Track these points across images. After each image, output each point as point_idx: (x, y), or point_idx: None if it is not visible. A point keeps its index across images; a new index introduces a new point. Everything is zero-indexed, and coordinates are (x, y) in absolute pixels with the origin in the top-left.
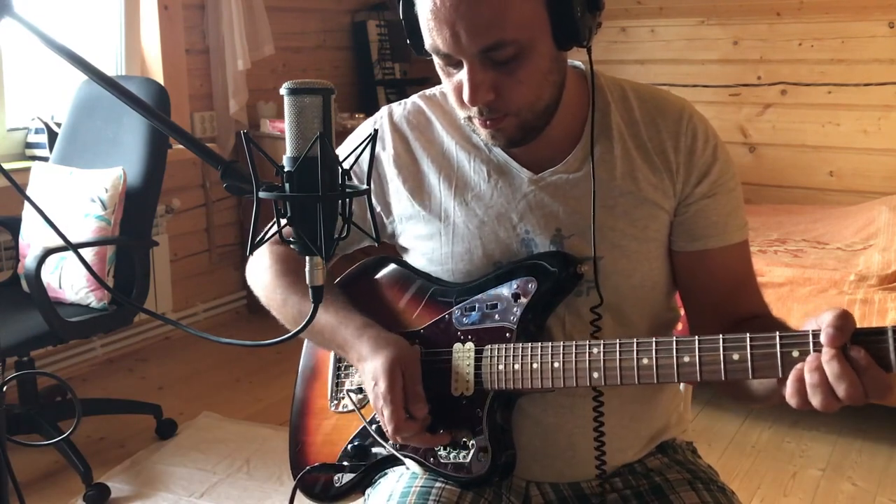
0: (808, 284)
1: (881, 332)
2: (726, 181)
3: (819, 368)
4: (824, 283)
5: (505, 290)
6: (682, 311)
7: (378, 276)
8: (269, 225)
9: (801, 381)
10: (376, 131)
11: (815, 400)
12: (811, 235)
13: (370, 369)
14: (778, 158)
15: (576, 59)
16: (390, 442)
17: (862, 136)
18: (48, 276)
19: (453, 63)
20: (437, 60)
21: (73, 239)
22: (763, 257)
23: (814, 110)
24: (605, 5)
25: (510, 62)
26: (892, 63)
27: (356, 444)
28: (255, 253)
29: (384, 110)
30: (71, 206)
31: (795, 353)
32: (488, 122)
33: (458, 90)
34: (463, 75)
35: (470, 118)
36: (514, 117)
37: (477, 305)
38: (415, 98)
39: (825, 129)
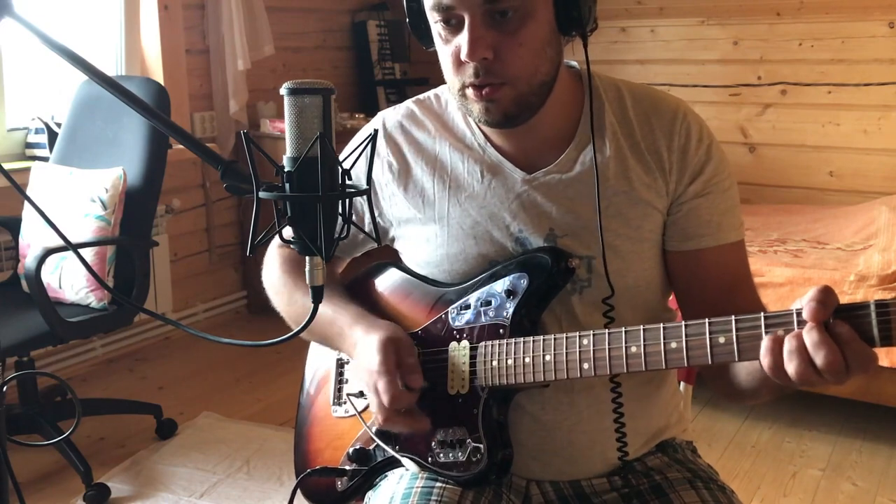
0: (808, 284)
1: (864, 306)
2: (720, 181)
3: (798, 336)
4: (824, 283)
5: (498, 288)
6: (680, 314)
7: (376, 280)
8: (270, 225)
9: (776, 342)
10: (376, 131)
11: (791, 366)
12: (811, 235)
13: (364, 350)
14: (778, 158)
15: (571, 59)
16: (391, 443)
17: (862, 136)
18: (48, 276)
19: (453, 25)
20: (436, 23)
21: (73, 239)
22: (763, 257)
23: (814, 110)
24: (605, 5)
25: (512, 21)
26: (892, 63)
27: (357, 447)
28: (266, 256)
29: (378, 117)
30: (71, 206)
31: (780, 333)
32: (484, 91)
33: (456, 54)
34: (463, 35)
35: (464, 90)
36: (511, 88)
37: (471, 304)
38: (407, 103)
39: (825, 129)
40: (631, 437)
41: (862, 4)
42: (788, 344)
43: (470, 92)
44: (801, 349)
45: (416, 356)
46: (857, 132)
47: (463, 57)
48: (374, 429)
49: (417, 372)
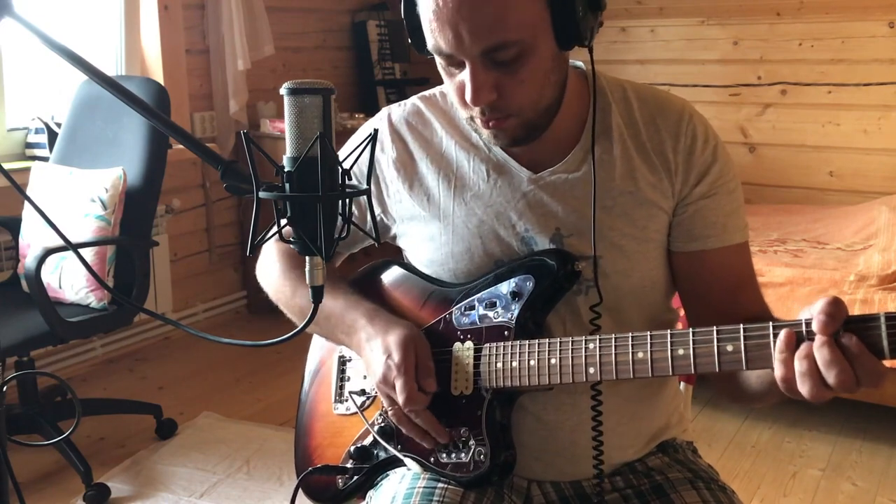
0: (808, 284)
1: (873, 318)
2: (726, 182)
3: (809, 356)
4: (824, 283)
5: (503, 289)
6: (682, 313)
7: (381, 279)
8: (270, 225)
9: (787, 352)
10: (376, 131)
11: (805, 388)
12: (811, 235)
13: (381, 345)
14: (778, 158)
15: (577, 58)
16: (392, 442)
17: (862, 136)
18: (48, 276)
19: (455, 63)
20: (439, 61)
21: (73, 239)
22: (763, 257)
23: (814, 110)
24: (606, 5)
25: (512, 62)
26: (892, 63)
27: (359, 446)
28: (262, 250)
29: (383, 112)
30: (71, 206)
31: (788, 334)
32: (491, 123)
33: (461, 90)
34: (465, 76)
35: (472, 118)
36: (516, 118)
37: (476, 305)
38: (413, 99)
39: (825, 129)
40: (632, 437)
41: (862, 4)
42: (800, 365)
43: (477, 121)
44: (813, 370)
45: (432, 359)
46: (857, 132)
47: (467, 101)
48: (376, 427)
49: (433, 376)
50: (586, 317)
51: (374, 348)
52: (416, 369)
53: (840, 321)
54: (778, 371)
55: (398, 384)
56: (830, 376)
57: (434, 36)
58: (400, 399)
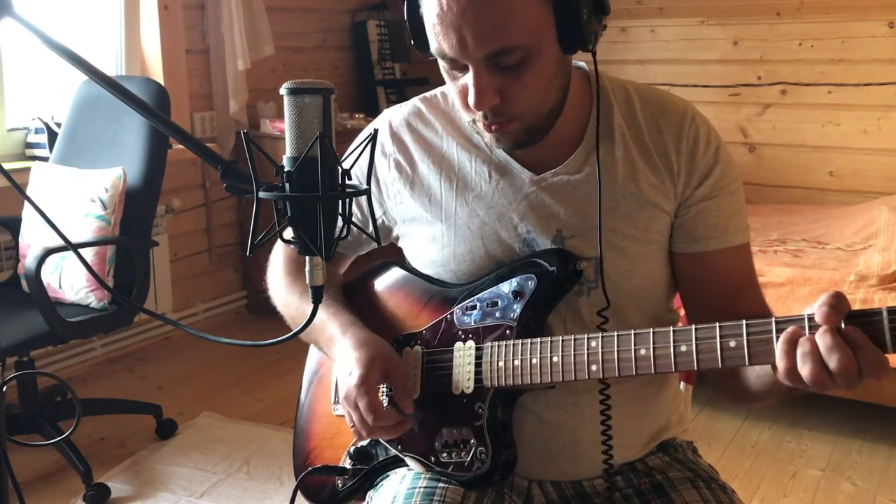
0: (808, 284)
1: (875, 312)
2: (728, 184)
3: (812, 340)
4: (824, 283)
5: (505, 289)
6: (682, 313)
7: (382, 279)
8: (270, 225)
9: (790, 342)
10: (376, 131)
11: (805, 370)
12: (811, 235)
13: (348, 362)
14: (778, 158)
15: (579, 59)
16: (393, 441)
17: (862, 136)
18: (48, 276)
19: (459, 67)
20: (442, 64)
21: (73, 239)
22: (763, 257)
23: (814, 110)
24: (610, 9)
25: (516, 67)
26: (892, 63)
27: (358, 446)
28: (270, 260)
29: (384, 114)
30: (71, 206)
31: (793, 329)
32: (493, 127)
33: (464, 94)
34: (468, 79)
35: (474, 121)
36: (519, 122)
37: (478, 305)
38: (414, 101)
39: (825, 129)
40: (633, 437)
41: (862, 4)
42: (802, 347)
43: (480, 124)
44: (815, 352)
45: (408, 378)
46: (857, 132)
47: (470, 104)
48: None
49: (410, 396)
50: (587, 318)
51: (342, 365)
52: (396, 393)
53: (842, 313)
54: (780, 362)
55: (362, 405)
56: (832, 361)
57: (437, 39)
58: (368, 419)
